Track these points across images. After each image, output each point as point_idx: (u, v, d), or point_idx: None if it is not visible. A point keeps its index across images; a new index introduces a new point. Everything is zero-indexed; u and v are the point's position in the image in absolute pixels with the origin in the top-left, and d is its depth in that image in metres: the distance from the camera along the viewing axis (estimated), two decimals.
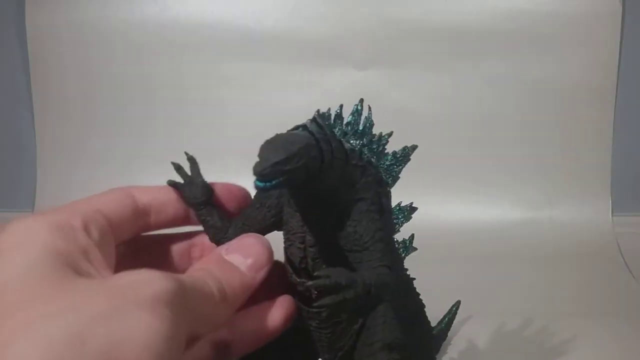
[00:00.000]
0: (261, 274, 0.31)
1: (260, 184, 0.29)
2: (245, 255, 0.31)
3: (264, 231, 0.37)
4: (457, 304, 0.60)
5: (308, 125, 0.32)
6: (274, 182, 0.29)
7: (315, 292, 0.33)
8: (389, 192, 0.39)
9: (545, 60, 0.91)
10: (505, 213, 0.91)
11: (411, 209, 0.42)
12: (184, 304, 0.24)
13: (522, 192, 0.92)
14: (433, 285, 0.56)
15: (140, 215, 0.32)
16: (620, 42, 0.91)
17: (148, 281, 0.23)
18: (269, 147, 0.30)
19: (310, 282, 0.32)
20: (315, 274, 0.33)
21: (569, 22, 0.90)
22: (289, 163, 0.29)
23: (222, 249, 0.31)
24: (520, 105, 0.93)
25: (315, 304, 0.33)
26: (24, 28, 0.93)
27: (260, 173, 0.29)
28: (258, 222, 0.37)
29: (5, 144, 0.98)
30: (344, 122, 0.38)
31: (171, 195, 0.34)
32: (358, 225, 0.35)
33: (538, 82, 0.92)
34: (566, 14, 0.90)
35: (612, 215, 0.91)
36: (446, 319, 0.59)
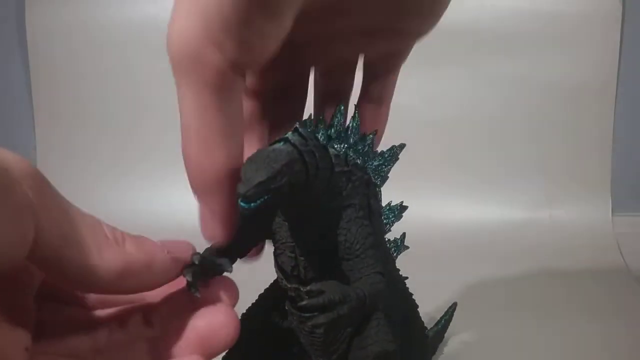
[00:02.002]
0: None
1: (245, 205, 0.29)
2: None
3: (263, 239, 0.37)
4: (454, 306, 0.60)
5: (290, 138, 0.32)
6: (258, 202, 0.29)
7: (307, 297, 0.33)
8: (379, 192, 0.39)
9: (545, 60, 0.91)
10: (505, 213, 0.90)
11: (402, 208, 0.41)
12: None
13: (522, 191, 0.92)
14: (433, 285, 0.56)
15: None
16: (620, 42, 0.90)
17: None
18: (251, 166, 0.29)
19: (303, 302, 0.32)
20: (308, 288, 0.33)
21: (569, 22, 0.90)
22: (273, 182, 0.29)
23: None
24: (520, 105, 0.93)
25: (310, 324, 0.33)
26: (24, 28, 0.93)
27: (245, 195, 0.29)
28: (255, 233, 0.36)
29: (6, 144, 0.98)
30: (328, 124, 0.37)
31: None
32: (348, 234, 0.34)
33: (538, 82, 0.92)
34: (566, 14, 0.90)
35: (612, 215, 0.91)
36: (442, 320, 0.59)
